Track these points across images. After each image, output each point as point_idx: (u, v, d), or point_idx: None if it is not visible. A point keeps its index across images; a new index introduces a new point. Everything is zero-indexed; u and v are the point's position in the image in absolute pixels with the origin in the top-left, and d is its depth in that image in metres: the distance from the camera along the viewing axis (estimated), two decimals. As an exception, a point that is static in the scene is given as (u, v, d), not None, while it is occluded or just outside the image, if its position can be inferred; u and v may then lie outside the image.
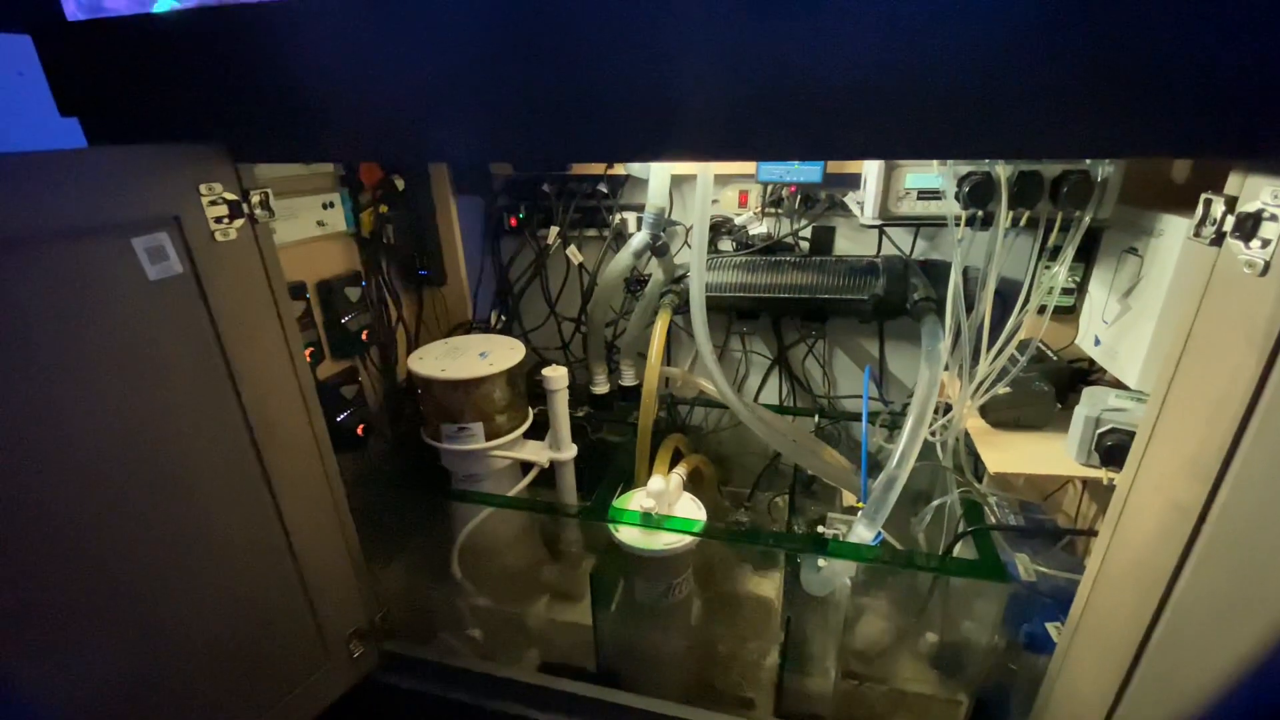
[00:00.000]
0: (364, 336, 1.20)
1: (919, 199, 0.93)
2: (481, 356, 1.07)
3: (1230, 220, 0.52)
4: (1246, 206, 0.51)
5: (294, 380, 0.87)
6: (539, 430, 1.16)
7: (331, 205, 1.12)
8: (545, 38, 0.59)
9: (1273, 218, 0.49)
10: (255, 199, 0.77)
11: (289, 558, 0.90)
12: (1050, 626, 0.88)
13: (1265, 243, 0.49)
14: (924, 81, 0.53)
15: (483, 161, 1.34)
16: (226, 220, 0.74)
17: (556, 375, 1.05)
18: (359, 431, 1.21)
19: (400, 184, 1.25)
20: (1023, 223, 0.85)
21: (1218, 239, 0.54)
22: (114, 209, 0.65)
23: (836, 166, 1.20)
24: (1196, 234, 0.55)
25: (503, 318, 1.49)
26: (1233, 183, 0.53)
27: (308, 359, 1.08)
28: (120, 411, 0.68)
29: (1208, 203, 0.54)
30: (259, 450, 0.83)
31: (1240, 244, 0.51)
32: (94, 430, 0.66)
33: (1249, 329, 0.50)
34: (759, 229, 1.29)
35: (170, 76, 0.71)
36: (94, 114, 0.75)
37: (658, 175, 1.13)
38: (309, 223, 1.08)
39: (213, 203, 0.73)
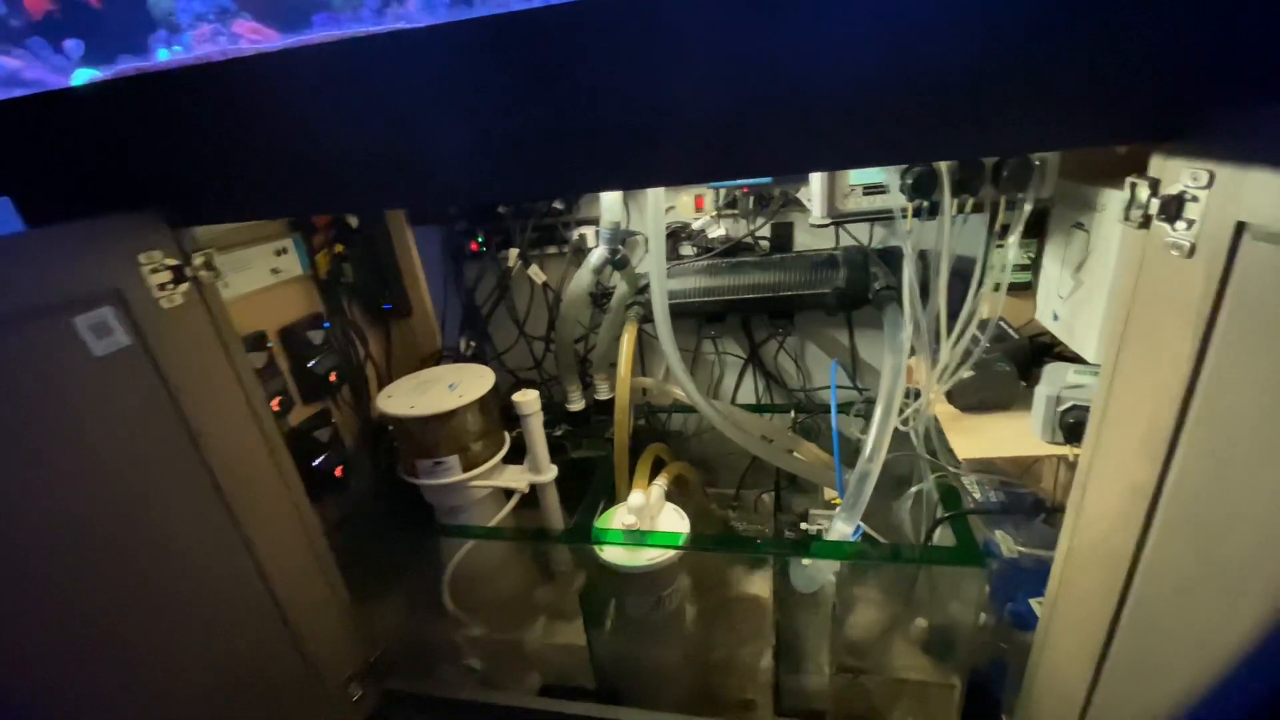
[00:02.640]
0: (332, 378, 1.19)
1: (865, 194, 0.94)
2: (451, 388, 1.07)
3: (1155, 203, 0.53)
4: (1169, 189, 0.52)
5: (259, 435, 0.86)
6: (519, 453, 1.16)
7: (284, 251, 1.11)
8: (531, 70, 0.58)
9: (1194, 199, 0.50)
10: (198, 261, 0.76)
11: (274, 610, 0.90)
12: (1034, 603, 0.89)
13: (1190, 224, 0.50)
14: (878, 94, 0.53)
15: (457, 204, 1.34)
16: (170, 286, 0.74)
17: (527, 400, 1.05)
18: (337, 474, 1.20)
19: (354, 222, 1.24)
20: (968, 209, 0.86)
21: (1145, 222, 0.54)
22: (52, 290, 0.64)
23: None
24: (1126, 217, 0.56)
25: (472, 344, 1.49)
26: (1155, 165, 0.54)
27: (276, 408, 1.08)
28: (81, 491, 0.67)
29: (1133, 186, 0.55)
30: (231, 509, 0.82)
31: (1166, 226, 0.52)
32: (54, 512, 0.65)
33: (1182, 310, 0.51)
34: (717, 232, 1.29)
35: (97, 147, 0.71)
36: (25, 192, 0.74)
37: (609, 190, 1.13)
38: (263, 271, 1.07)
39: (154, 270, 0.72)
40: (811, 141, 0.56)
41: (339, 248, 1.21)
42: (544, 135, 0.60)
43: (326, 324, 1.20)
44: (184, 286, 0.75)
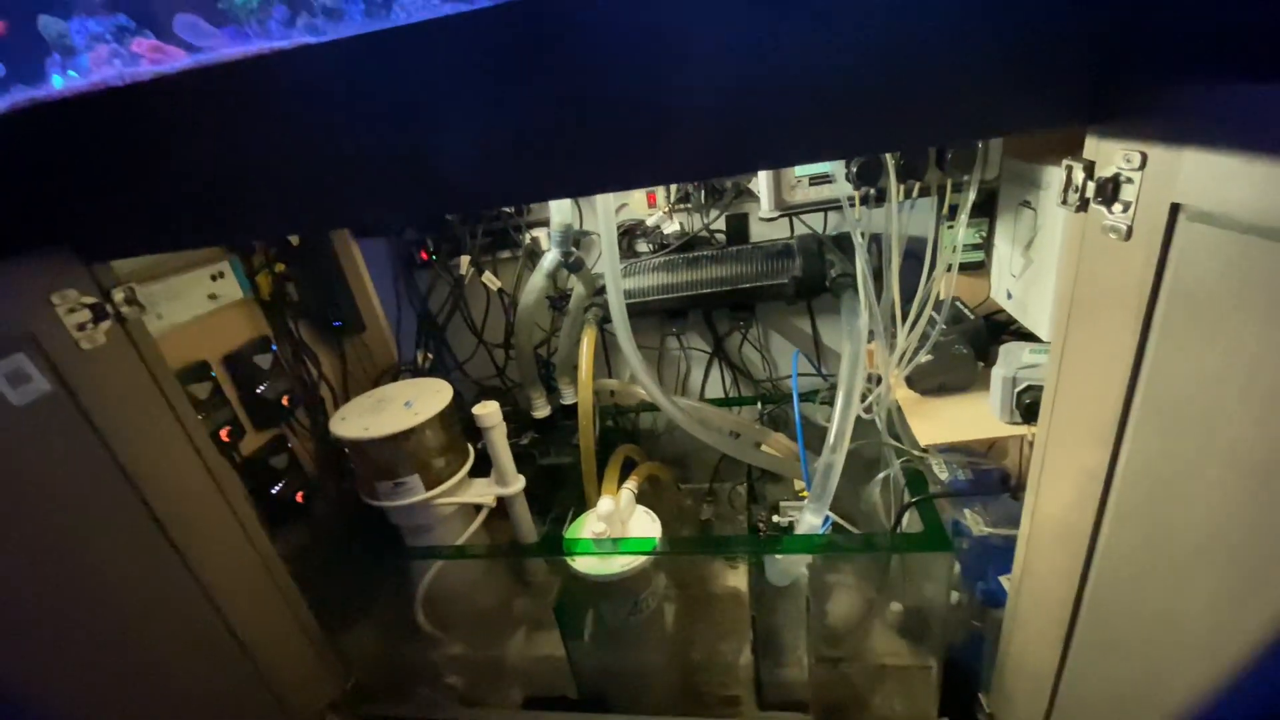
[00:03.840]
0: (285, 403, 1.15)
1: (811, 185, 0.93)
2: (406, 406, 1.04)
3: (1091, 186, 0.52)
4: (1104, 171, 0.51)
5: (203, 471, 0.83)
6: (487, 465, 1.13)
7: (221, 275, 1.06)
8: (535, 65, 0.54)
9: (1129, 181, 0.49)
10: (119, 296, 0.72)
11: (236, 648, 0.87)
12: (1004, 580, 0.89)
13: (1126, 206, 0.49)
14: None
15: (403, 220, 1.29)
16: (90, 325, 0.70)
17: (487, 412, 1.02)
18: (298, 500, 1.17)
19: (294, 239, 1.19)
20: (915, 194, 0.85)
21: (1083, 205, 0.54)
22: (-43, 340, 0.60)
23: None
24: (1064, 200, 0.56)
25: (430, 356, 1.45)
26: (1089, 147, 0.53)
27: (225, 439, 1.04)
28: (14, 547, 0.63)
29: (1069, 169, 0.54)
30: (179, 550, 0.79)
31: (1104, 209, 0.51)
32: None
33: (1123, 293, 0.50)
34: (672, 227, 1.27)
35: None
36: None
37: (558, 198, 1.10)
38: (199, 298, 1.02)
39: (70, 310, 0.68)
40: (745, 140, 0.54)
41: (280, 267, 1.16)
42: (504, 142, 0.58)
43: (274, 347, 1.16)
44: (105, 325, 0.71)
